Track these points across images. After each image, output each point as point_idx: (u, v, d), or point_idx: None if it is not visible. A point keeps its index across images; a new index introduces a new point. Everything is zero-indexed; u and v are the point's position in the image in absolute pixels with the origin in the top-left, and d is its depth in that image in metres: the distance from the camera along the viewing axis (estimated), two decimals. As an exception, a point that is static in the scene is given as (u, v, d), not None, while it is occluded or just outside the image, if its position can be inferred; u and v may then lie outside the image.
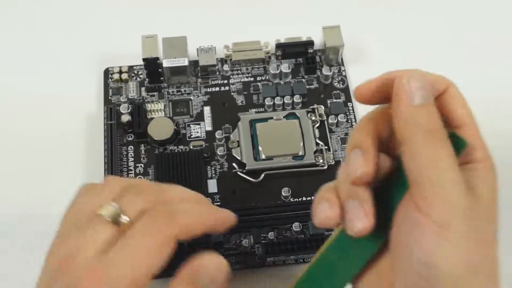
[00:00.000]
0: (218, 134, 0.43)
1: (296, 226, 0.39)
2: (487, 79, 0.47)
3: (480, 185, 0.25)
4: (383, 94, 0.27)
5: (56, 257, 0.27)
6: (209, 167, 0.42)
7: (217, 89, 0.45)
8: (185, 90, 0.45)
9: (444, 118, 0.26)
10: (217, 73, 0.46)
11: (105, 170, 0.41)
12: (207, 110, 0.44)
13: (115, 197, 0.28)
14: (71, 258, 0.26)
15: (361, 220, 0.25)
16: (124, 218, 0.27)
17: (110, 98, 0.45)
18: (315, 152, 0.42)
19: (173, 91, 0.45)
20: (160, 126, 0.42)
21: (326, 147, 0.42)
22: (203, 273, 0.26)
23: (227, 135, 0.43)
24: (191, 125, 0.44)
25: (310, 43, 0.46)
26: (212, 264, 0.27)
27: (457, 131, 0.26)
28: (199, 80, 0.46)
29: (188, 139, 0.43)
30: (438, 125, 0.25)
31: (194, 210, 0.29)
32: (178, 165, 0.41)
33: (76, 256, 0.26)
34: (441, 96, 0.27)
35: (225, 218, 0.31)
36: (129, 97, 0.45)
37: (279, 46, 0.46)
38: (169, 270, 0.38)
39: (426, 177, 0.24)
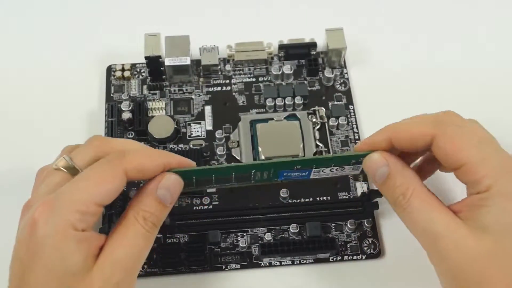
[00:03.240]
0: (218, 134, 0.43)
1: (293, 228, 0.39)
2: (489, 79, 0.47)
3: (488, 216, 0.28)
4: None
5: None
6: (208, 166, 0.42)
7: (219, 88, 0.45)
8: (186, 89, 0.45)
9: (441, 163, 0.31)
10: (219, 72, 0.46)
11: (104, 167, 0.41)
12: (208, 109, 0.44)
13: (67, 152, 0.32)
14: (27, 205, 0.31)
15: None
16: (76, 165, 0.31)
17: (112, 95, 0.45)
18: (314, 154, 0.41)
19: (174, 90, 0.45)
20: (160, 124, 0.42)
21: (326, 149, 0.42)
22: (161, 184, 0.31)
23: (227, 135, 0.43)
24: (191, 124, 0.44)
25: (313, 45, 0.46)
26: (169, 178, 0.31)
27: (457, 172, 0.30)
28: (201, 79, 0.46)
29: (188, 138, 0.43)
30: (397, 194, 0.31)
31: (143, 149, 0.33)
32: (177, 164, 0.41)
33: (31, 201, 0.30)
34: (433, 145, 0.30)
35: (180, 159, 0.32)
36: (131, 95, 0.45)
37: (282, 47, 0.46)
38: (166, 268, 0.38)
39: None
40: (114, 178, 0.29)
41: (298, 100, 0.44)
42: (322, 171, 0.34)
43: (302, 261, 0.38)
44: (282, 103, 0.44)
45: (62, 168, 0.31)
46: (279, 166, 0.33)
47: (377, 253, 0.39)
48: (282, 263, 0.38)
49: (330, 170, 0.34)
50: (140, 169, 0.30)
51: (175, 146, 0.43)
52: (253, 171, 0.33)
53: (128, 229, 0.30)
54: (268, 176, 0.34)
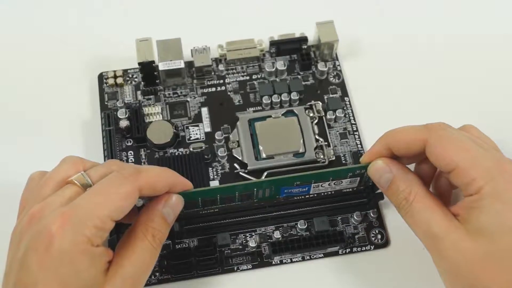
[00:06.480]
0: (218, 135, 0.42)
1: (301, 224, 0.39)
2: (485, 75, 0.47)
3: (482, 218, 0.29)
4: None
5: (24, 216, 0.30)
6: (210, 168, 0.42)
7: (214, 89, 0.45)
8: (181, 92, 0.45)
9: (436, 167, 0.32)
10: (213, 73, 0.46)
11: (106, 177, 0.40)
12: (204, 111, 0.44)
13: (73, 164, 0.32)
14: (39, 212, 0.29)
15: None
16: (92, 183, 0.31)
17: (106, 103, 0.44)
18: (315, 148, 0.42)
19: (169, 94, 0.45)
20: (159, 130, 0.42)
21: (326, 142, 0.42)
22: (167, 204, 0.32)
23: (226, 135, 0.43)
24: (189, 127, 0.43)
25: (304, 39, 0.46)
26: (173, 197, 0.33)
27: (450, 175, 0.31)
28: (195, 81, 0.45)
29: (187, 141, 0.43)
30: (401, 199, 0.32)
31: (156, 169, 0.33)
32: (179, 168, 0.41)
33: (43, 210, 0.29)
34: (426, 150, 0.31)
35: (183, 180, 0.34)
36: (125, 102, 0.44)
37: (273, 43, 0.46)
38: (178, 273, 0.38)
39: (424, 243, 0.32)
40: (130, 194, 0.30)
41: (294, 95, 0.44)
42: (321, 185, 0.36)
43: (313, 257, 0.39)
44: (278, 100, 0.44)
45: (77, 182, 0.31)
46: (280, 183, 0.35)
47: (385, 242, 0.40)
48: (293, 260, 0.39)
49: (329, 184, 0.36)
50: (153, 187, 0.32)
51: (175, 150, 0.42)
52: (255, 189, 0.35)
53: (137, 245, 0.31)
54: (270, 194, 0.36)
